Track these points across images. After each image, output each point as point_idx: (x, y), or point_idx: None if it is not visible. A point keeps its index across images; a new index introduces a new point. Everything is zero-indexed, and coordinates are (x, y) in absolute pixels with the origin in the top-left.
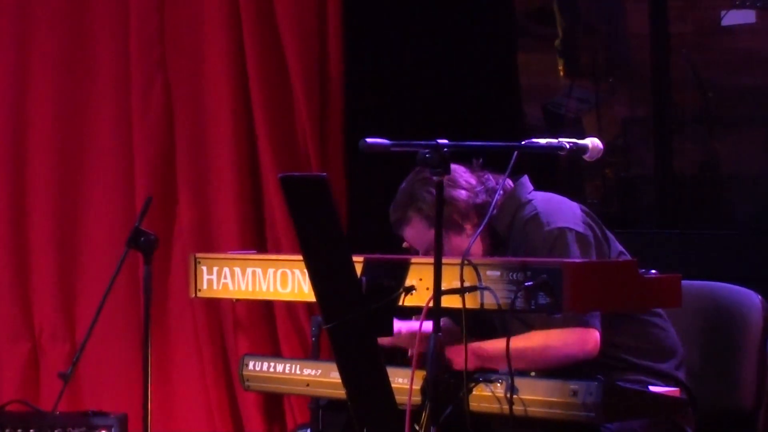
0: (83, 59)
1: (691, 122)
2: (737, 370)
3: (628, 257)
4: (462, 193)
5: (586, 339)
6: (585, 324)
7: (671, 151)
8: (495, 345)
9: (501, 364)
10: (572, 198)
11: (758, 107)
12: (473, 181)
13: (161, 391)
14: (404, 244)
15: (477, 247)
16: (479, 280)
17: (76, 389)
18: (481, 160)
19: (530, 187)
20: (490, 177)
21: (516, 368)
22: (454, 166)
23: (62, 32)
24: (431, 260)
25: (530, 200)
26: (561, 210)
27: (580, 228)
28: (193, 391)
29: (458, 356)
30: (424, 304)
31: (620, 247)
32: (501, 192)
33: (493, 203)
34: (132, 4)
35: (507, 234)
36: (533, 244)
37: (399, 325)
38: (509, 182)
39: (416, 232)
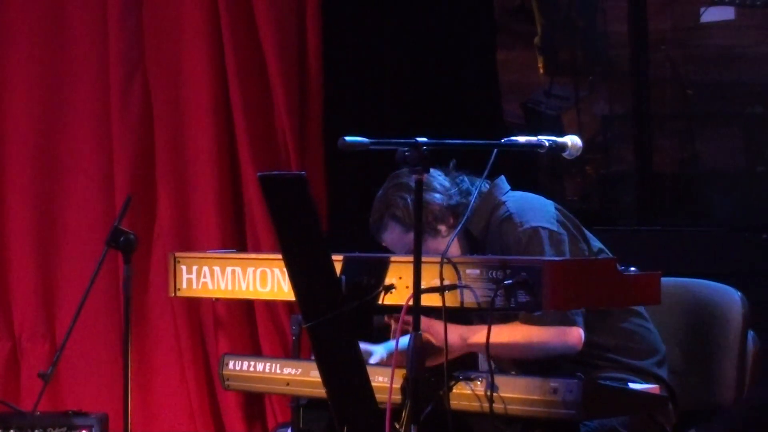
0: (62, 59)
1: (670, 119)
2: (717, 366)
3: (608, 254)
4: (436, 197)
5: (569, 335)
6: (568, 322)
7: (651, 148)
8: (482, 334)
9: (478, 349)
10: (552, 195)
11: (737, 103)
12: (447, 183)
13: (142, 391)
14: (384, 243)
15: (454, 249)
16: (459, 278)
17: (56, 389)
18: (454, 161)
19: (506, 187)
20: (465, 179)
21: (500, 357)
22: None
23: (41, 32)
24: (411, 259)
25: (504, 201)
26: (535, 209)
27: (554, 226)
28: (173, 391)
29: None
30: (403, 303)
31: (599, 244)
32: (476, 193)
33: (471, 206)
34: (110, 3)
35: (483, 235)
36: (508, 244)
37: (380, 355)
38: (479, 184)
39: (394, 236)
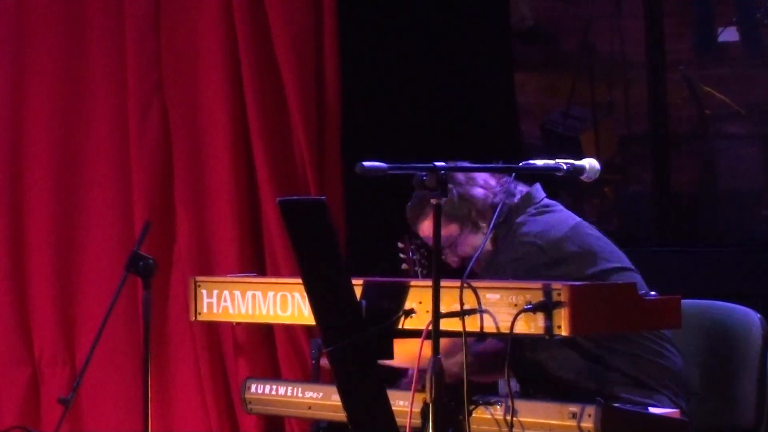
0: (80, 84)
1: (688, 139)
2: (737, 388)
3: (630, 277)
4: (479, 191)
5: None
6: None
7: (669, 169)
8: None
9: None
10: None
11: (755, 123)
12: (492, 182)
13: (161, 415)
14: (403, 266)
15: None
16: (479, 302)
17: (76, 414)
18: (501, 162)
19: (538, 197)
20: (509, 180)
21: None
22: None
23: (59, 58)
24: (431, 283)
25: (524, 212)
26: (545, 224)
27: (548, 245)
28: (193, 415)
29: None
30: (423, 328)
31: (626, 264)
32: (503, 199)
33: (497, 210)
34: (128, 28)
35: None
36: (504, 252)
37: None
38: (522, 189)
39: (431, 226)
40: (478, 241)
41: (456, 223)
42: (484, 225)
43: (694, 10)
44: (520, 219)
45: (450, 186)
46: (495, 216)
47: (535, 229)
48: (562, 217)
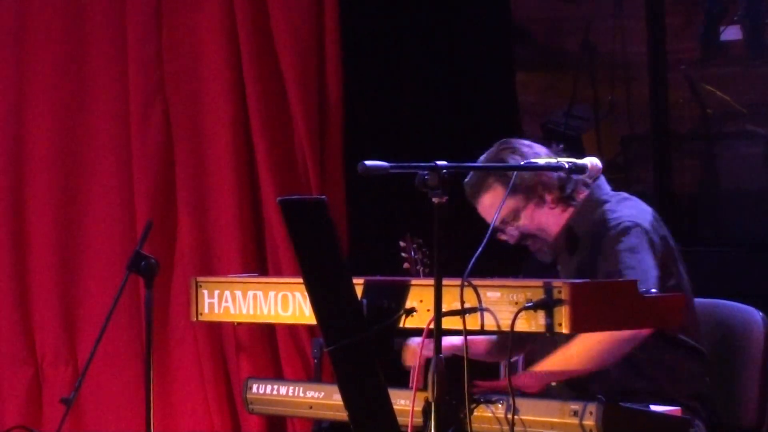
0: (82, 84)
1: (690, 139)
2: (739, 387)
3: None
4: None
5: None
6: None
7: (671, 168)
8: (545, 364)
9: (557, 377)
10: None
11: (757, 122)
12: (553, 159)
13: (163, 415)
14: (405, 265)
15: (555, 224)
16: (479, 301)
17: (78, 413)
18: (561, 145)
19: (607, 188)
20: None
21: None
22: (534, 144)
23: (60, 58)
24: (431, 282)
25: (606, 200)
26: (632, 209)
27: (648, 226)
28: (195, 414)
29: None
30: (424, 326)
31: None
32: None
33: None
34: (130, 28)
35: (586, 235)
36: (603, 242)
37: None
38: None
39: (494, 199)
40: (543, 216)
41: (521, 194)
42: (550, 199)
43: (695, 9)
44: (607, 206)
45: (517, 157)
46: (571, 186)
47: (632, 212)
48: (641, 204)
